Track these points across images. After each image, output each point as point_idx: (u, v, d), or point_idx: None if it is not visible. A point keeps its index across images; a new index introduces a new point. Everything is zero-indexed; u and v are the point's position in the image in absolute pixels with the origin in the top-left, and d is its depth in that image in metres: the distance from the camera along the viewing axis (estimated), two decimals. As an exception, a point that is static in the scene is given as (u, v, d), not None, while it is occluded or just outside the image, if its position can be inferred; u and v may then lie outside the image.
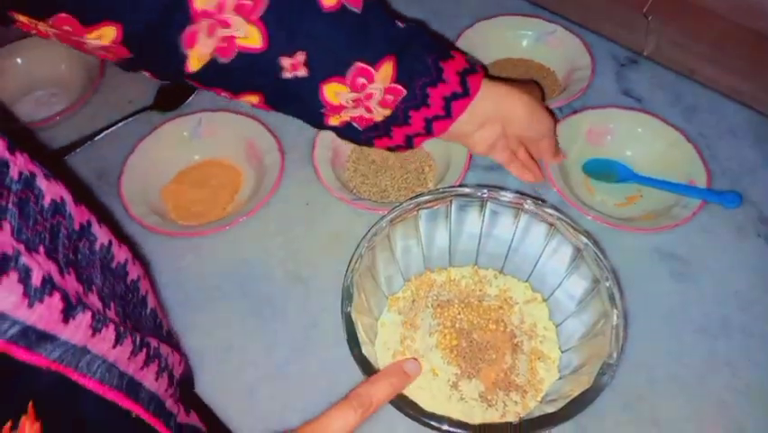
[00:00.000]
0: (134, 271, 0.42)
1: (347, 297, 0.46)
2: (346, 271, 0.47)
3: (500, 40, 0.75)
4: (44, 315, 0.28)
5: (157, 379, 0.39)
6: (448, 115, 0.51)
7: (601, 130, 0.66)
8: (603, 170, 0.65)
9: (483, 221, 0.53)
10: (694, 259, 0.58)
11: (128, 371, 0.36)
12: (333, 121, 0.51)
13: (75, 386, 0.31)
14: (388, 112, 0.50)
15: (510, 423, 0.44)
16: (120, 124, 0.71)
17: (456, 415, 0.44)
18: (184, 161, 0.68)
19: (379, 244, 0.50)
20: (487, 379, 0.47)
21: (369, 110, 0.50)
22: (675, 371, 0.52)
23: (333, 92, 0.48)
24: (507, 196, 0.51)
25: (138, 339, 0.37)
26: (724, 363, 0.52)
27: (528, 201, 0.50)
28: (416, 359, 0.47)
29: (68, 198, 0.34)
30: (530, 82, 0.69)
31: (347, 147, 0.67)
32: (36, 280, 0.28)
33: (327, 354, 0.54)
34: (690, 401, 0.50)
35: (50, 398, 0.30)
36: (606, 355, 0.42)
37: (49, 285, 0.29)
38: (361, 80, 0.47)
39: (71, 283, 0.32)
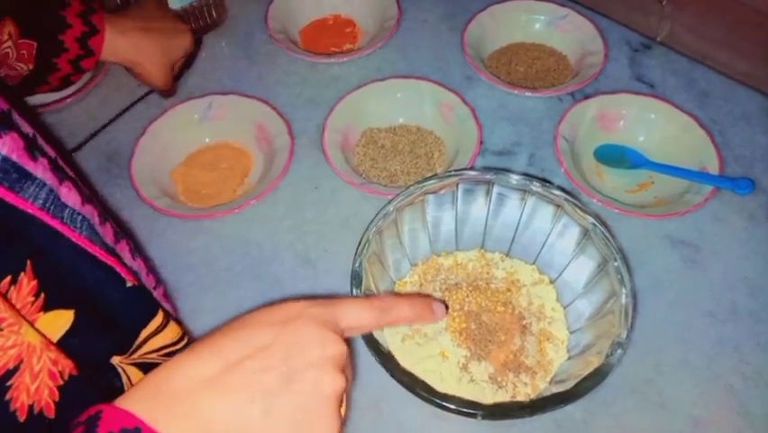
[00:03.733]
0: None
1: (357, 282, 0.46)
2: (354, 256, 0.47)
3: (513, 24, 0.75)
4: (13, 146, 0.29)
5: (134, 259, 0.41)
6: (90, 53, 0.57)
7: (614, 115, 0.65)
8: (615, 156, 0.65)
9: (489, 204, 0.53)
10: (705, 245, 0.58)
11: (107, 240, 0.36)
12: None
13: (69, 244, 0.32)
14: (31, 66, 0.55)
15: (521, 402, 0.44)
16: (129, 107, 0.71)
17: (467, 397, 0.45)
18: (194, 143, 0.68)
19: (386, 229, 0.50)
20: (496, 360, 0.47)
21: (13, 68, 0.54)
22: (684, 355, 0.52)
23: None
24: (514, 178, 0.51)
25: (98, 211, 0.37)
26: (732, 348, 0.52)
27: (535, 183, 0.50)
28: (443, 302, 0.45)
29: None
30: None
31: (357, 132, 0.67)
32: None
33: (336, 335, 0.54)
34: (697, 385, 0.50)
35: (46, 257, 0.30)
36: (614, 335, 0.42)
37: (5, 122, 0.30)
38: None
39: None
